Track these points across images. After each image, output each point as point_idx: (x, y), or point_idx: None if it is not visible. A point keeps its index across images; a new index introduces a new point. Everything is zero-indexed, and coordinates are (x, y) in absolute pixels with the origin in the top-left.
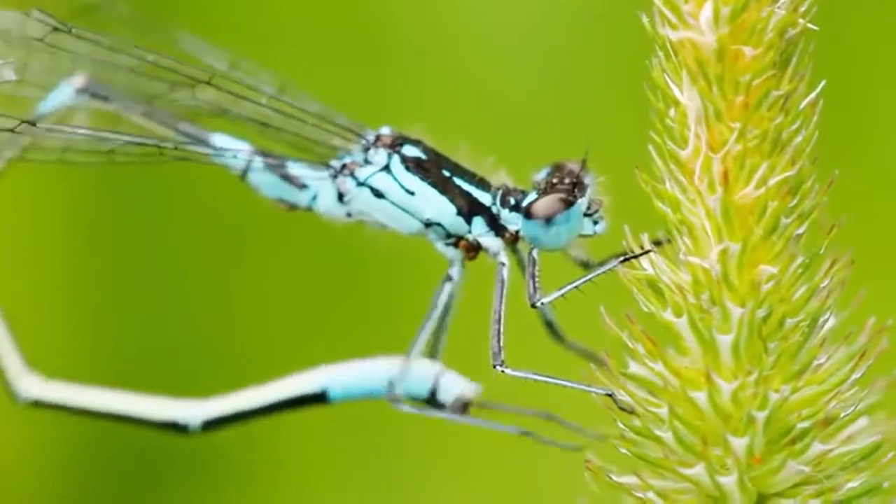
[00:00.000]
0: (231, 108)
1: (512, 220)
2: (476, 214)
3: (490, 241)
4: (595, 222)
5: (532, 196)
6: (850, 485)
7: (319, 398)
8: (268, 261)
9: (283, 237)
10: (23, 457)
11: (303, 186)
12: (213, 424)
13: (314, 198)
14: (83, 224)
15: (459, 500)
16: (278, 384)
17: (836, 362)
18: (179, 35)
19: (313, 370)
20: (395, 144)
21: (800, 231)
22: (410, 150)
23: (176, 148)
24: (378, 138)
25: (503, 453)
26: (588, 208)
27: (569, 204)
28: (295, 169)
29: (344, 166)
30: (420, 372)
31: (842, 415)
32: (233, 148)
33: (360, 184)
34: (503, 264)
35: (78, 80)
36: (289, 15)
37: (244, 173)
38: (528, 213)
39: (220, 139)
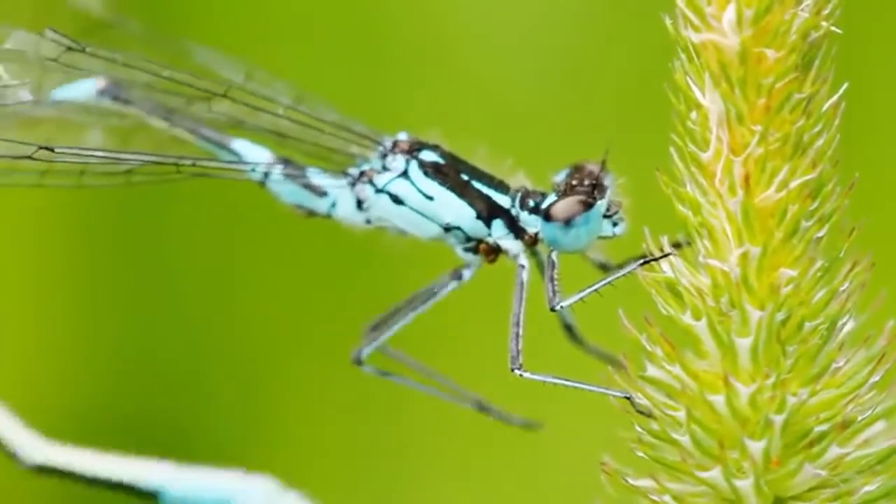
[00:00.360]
0: (248, 120)
1: (531, 223)
2: (495, 217)
3: (510, 244)
4: (614, 224)
5: (551, 198)
6: (866, 488)
7: (151, 496)
8: (268, 261)
9: (284, 237)
10: None
11: (323, 194)
12: (44, 470)
13: (333, 205)
14: (83, 224)
15: (458, 500)
16: (120, 462)
17: (854, 366)
18: (192, 48)
19: (158, 465)
20: (413, 150)
21: (820, 234)
22: (428, 156)
23: (194, 164)
24: (395, 144)
25: (508, 455)
26: (607, 210)
27: (588, 206)
28: (315, 177)
29: (362, 173)
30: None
31: (859, 418)
32: (252, 160)
33: (379, 190)
34: (523, 267)
35: (100, 82)
36: (289, 15)
37: (263, 182)
38: (547, 216)
39: (240, 145)
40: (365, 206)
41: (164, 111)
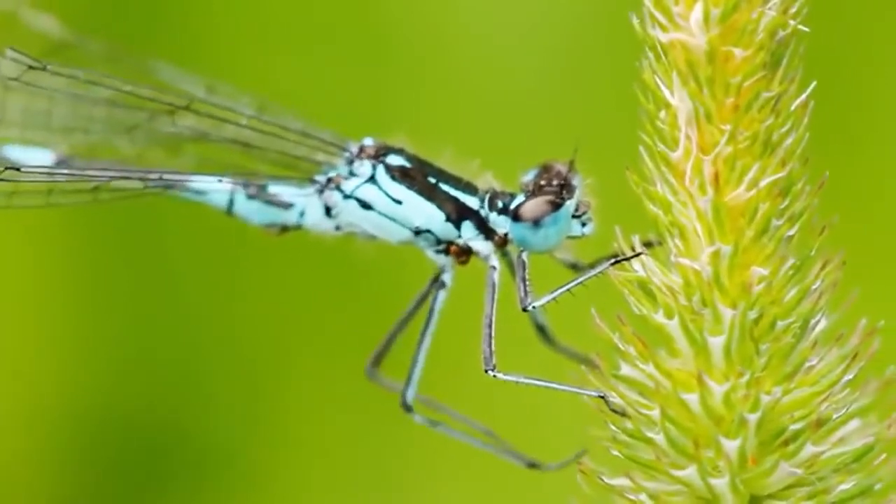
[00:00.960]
0: (211, 132)
1: (500, 224)
2: (465, 219)
3: (480, 245)
4: (583, 224)
5: (520, 198)
6: (842, 487)
7: None
8: (268, 261)
9: (284, 237)
10: (23, 457)
11: (288, 206)
12: None
13: (301, 214)
14: (83, 224)
15: (458, 500)
16: None
17: (828, 364)
18: (155, 65)
19: None
20: (379, 154)
21: (791, 232)
22: (394, 159)
23: (161, 178)
24: (361, 150)
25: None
26: (576, 210)
27: (557, 206)
28: (277, 189)
29: (329, 180)
30: None
31: (834, 416)
32: (212, 188)
33: (347, 196)
34: (494, 268)
35: (53, 156)
36: (289, 16)
37: (229, 208)
38: (516, 216)
39: (197, 182)
40: (334, 212)
41: (119, 168)
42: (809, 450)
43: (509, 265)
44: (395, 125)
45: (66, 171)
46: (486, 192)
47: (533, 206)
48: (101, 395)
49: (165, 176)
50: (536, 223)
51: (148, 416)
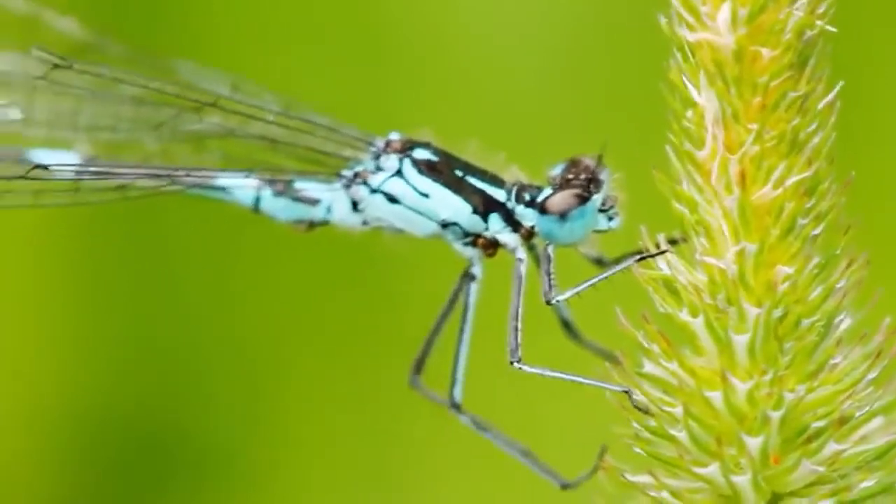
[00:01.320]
0: (238, 129)
1: (527, 216)
2: (492, 211)
3: (507, 238)
4: (610, 218)
5: (547, 191)
6: (864, 484)
7: None
8: (269, 260)
9: (285, 236)
10: (23, 457)
11: (315, 201)
12: None
13: (329, 210)
14: (84, 223)
15: (458, 500)
16: None
17: (851, 362)
18: (179, 64)
19: None
20: (406, 149)
21: (816, 232)
22: (421, 153)
23: (188, 176)
24: (388, 144)
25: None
26: (603, 204)
27: (584, 200)
28: (303, 185)
29: (356, 175)
30: None
31: (857, 414)
32: (238, 185)
33: (374, 191)
34: (521, 260)
35: (79, 157)
36: (289, 16)
37: (256, 206)
38: (543, 209)
39: (224, 179)
40: (361, 207)
41: (145, 169)
42: (832, 447)
43: (536, 259)
44: (396, 125)
45: (92, 169)
46: (514, 185)
47: (560, 200)
48: (101, 395)
49: (193, 173)
50: (563, 216)
51: (148, 416)
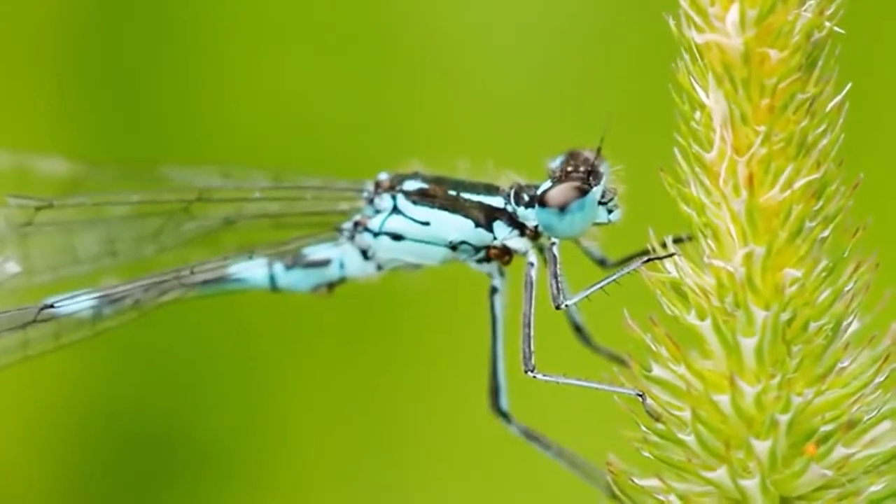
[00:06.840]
0: (232, 215)
1: (529, 216)
2: (494, 220)
3: (517, 243)
4: (610, 211)
5: (546, 184)
6: (872, 488)
7: None
8: None
9: (285, 236)
10: (23, 457)
11: (326, 262)
12: None
13: (341, 266)
14: None
15: (458, 500)
16: None
17: (859, 366)
18: (167, 171)
19: None
20: (396, 184)
21: (824, 234)
22: (411, 185)
23: (193, 273)
24: (378, 185)
25: (511, 454)
26: (603, 196)
27: (583, 192)
28: (310, 250)
29: (356, 224)
30: None
31: (865, 418)
32: (248, 269)
33: (377, 234)
34: (532, 264)
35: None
36: (289, 16)
37: (273, 285)
38: (542, 202)
39: (232, 267)
40: (370, 253)
41: (155, 290)
42: (840, 451)
43: (546, 263)
44: (395, 125)
45: (98, 295)
46: (510, 189)
47: (559, 192)
48: (101, 395)
49: (196, 269)
50: (563, 209)
51: (148, 416)
